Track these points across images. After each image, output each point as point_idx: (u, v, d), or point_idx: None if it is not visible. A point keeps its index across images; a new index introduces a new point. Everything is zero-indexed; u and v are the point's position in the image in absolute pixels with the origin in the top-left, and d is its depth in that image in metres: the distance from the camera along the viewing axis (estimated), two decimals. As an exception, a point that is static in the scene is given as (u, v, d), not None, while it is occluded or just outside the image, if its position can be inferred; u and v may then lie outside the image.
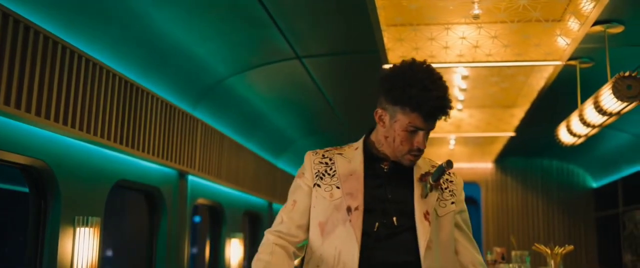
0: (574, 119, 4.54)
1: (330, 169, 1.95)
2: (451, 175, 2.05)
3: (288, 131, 6.68)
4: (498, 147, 8.37)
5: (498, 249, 6.13)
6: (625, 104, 3.67)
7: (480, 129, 7.23)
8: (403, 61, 1.89)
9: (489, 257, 6.15)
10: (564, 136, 4.98)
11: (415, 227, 1.84)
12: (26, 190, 3.25)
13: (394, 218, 1.85)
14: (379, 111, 1.91)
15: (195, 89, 4.70)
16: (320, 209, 1.91)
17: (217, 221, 5.96)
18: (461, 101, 5.93)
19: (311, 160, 2.00)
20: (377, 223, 1.84)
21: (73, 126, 3.20)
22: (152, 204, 4.57)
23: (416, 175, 1.93)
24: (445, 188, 1.97)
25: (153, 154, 4.12)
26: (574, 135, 4.76)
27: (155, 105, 4.17)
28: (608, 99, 3.74)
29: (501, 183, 9.38)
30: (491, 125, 7.05)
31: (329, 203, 1.89)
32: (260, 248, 1.93)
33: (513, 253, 5.19)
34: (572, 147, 5.24)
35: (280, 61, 4.48)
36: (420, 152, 1.88)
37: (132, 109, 3.84)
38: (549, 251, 3.94)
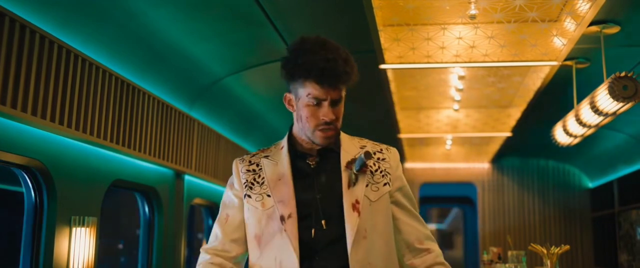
0: (570, 119, 4.56)
1: (259, 176, 1.88)
2: (383, 152, 1.94)
3: (285, 131, 6.66)
4: (494, 147, 8.38)
5: (494, 249, 6.13)
6: (621, 104, 3.68)
7: (477, 129, 7.24)
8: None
9: (485, 256, 6.16)
10: (560, 136, 4.99)
11: None
12: (22, 190, 3.24)
13: (323, 222, 1.77)
14: (287, 96, 1.87)
15: (192, 88, 4.70)
16: (254, 221, 1.84)
17: (213, 221, 5.96)
18: (458, 101, 5.94)
19: (238, 169, 1.94)
20: (313, 230, 1.77)
21: (69, 126, 3.19)
22: (149, 204, 4.57)
23: (343, 162, 1.85)
24: (376, 170, 1.87)
25: (149, 154, 4.12)
26: (570, 135, 4.77)
27: (152, 104, 4.16)
28: (604, 99, 3.75)
29: (497, 183, 9.39)
30: (488, 126, 7.06)
31: (262, 213, 1.82)
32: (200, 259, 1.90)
33: (509, 253, 5.20)
34: (569, 147, 5.26)
35: (277, 61, 4.45)
36: (329, 125, 1.79)
37: (128, 109, 3.83)
38: (545, 251, 3.95)
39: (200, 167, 5.09)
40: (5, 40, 2.71)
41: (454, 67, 4.75)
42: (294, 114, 1.87)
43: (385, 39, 4.11)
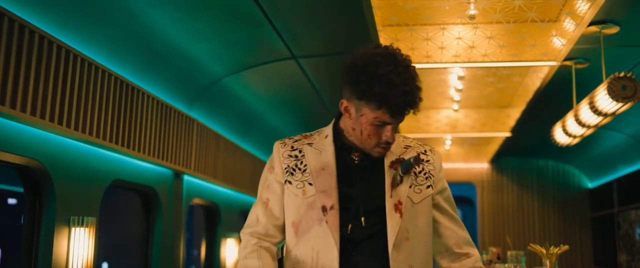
0: (570, 119, 4.55)
1: (301, 163, 1.83)
2: (427, 154, 1.91)
3: (284, 131, 6.67)
4: (494, 148, 8.38)
5: (494, 249, 6.13)
6: (620, 104, 3.68)
7: (476, 129, 7.24)
8: (365, 49, 1.74)
9: (484, 257, 6.15)
10: (560, 136, 4.99)
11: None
12: (21, 190, 3.24)
13: (363, 219, 1.75)
14: (345, 103, 1.77)
15: (191, 88, 4.70)
16: (292, 208, 1.80)
17: (213, 221, 5.96)
18: (457, 101, 5.94)
19: (280, 153, 1.88)
20: (350, 226, 1.74)
21: (68, 126, 3.19)
22: (148, 204, 4.56)
23: (387, 162, 1.81)
24: (420, 172, 1.84)
25: (148, 154, 4.11)
26: (570, 135, 4.77)
27: (151, 105, 4.16)
28: (603, 99, 3.75)
29: (497, 183, 9.39)
30: (487, 126, 7.06)
31: (302, 201, 1.78)
32: (244, 252, 1.83)
33: (509, 253, 5.20)
34: (568, 148, 5.25)
35: (276, 61, 4.48)
36: (388, 144, 1.77)
37: (127, 109, 3.83)
38: (544, 251, 3.94)
39: (199, 167, 5.08)
40: (4, 40, 2.71)
41: (453, 67, 4.75)
42: (348, 120, 1.79)
43: (384, 39, 4.11)
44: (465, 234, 1.91)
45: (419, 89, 1.71)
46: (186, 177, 4.98)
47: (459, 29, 3.98)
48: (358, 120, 1.75)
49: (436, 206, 1.88)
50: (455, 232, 1.89)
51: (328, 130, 1.88)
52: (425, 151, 1.91)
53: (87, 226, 3.38)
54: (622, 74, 3.63)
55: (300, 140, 1.90)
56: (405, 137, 1.93)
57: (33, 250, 3.16)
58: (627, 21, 3.68)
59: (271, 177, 1.88)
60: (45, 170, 3.15)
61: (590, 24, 3.67)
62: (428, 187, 1.83)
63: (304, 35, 4.07)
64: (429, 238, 1.83)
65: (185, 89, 4.65)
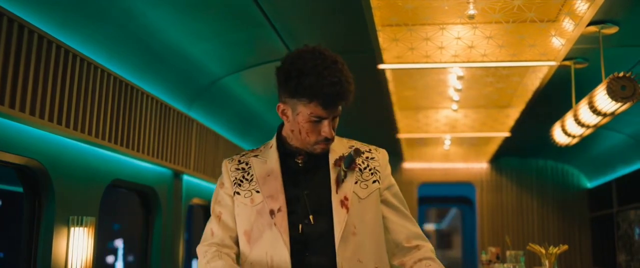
0: (569, 119, 4.56)
1: (247, 174, 1.90)
2: (371, 151, 1.96)
3: (283, 131, 6.67)
4: (493, 147, 8.39)
5: (493, 249, 6.13)
6: (620, 104, 3.68)
7: (475, 129, 7.25)
8: (297, 49, 1.81)
9: (483, 256, 6.16)
10: (559, 136, 4.99)
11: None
12: (20, 190, 3.24)
13: (311, 217, 1.78)
14: (281, 106, 1.83)
15: (191, 88, 4.70)
16: (243, 217, 1.85)
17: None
18: (456, 101, 5.94)
19: (227, 168, 1.94)
20: (300, 225, 1.78)
21: (67, 126, 3.19)
22: (147, 204, 4.56)
23: (331, 160, 1.86)
24: (365, 168, 1.88)
25: (148, 154, 4.11)
26: (569, 135, 4.77)
27: (150, 104, 4.16)
28: (602, 99, 3.75)
29: (496, 183, 9.39)
30: (486, 126, 7.07)
31: (251, 209, 1.83)
32: (205, 259, 1.84)
33: (508, 253, 5.20)
34: (567, 148, 5.26)
35: (275, 61, 4.46)
36: (328, 141, 1.81)
37: (126, 109, 3.83)
38: (543, 251, 3.95)
39: (198, 167, 5.08)
40: (3, 40, 2.71)
41: (452, 67, 4.75)
42: (288, 123, 1.85)
43: (383, 39, 4.11)
44: (416, 228, 1.93)
45: (348, 82, 1.74)
46: (185, 177, 4.98)
47: (458, 28, 3.98)
48: (295, 119, 1.80)
49: (384, 202, 1.91)
50: (404, 226, 1.91)
51: (272, 141, 1.96)
52: (370, 149, 1.96)
53: (86, 226, 3.38)
54: (621, 74, 3.63)
55: (246, 154, 1.98)
56: (349, 140, 1.98)
57: (32, 250, 3.16)
58: (626, 21, 3.68)
59: (222, 192, 1.93)
60: (45, 170, 3.15)
61: (590, 24, 3.67)
62: (374, 182, 1.87)
63: (304, 35, 4.07)
64: (379, 234, 1.85)
65: (185, 89, 4.65)
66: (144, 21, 3.48)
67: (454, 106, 6.14)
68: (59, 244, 3.25)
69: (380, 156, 1.96)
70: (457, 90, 5.51)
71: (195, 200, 5.38)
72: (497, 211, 9.30)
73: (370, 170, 1.89)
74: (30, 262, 3.15)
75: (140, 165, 4.26)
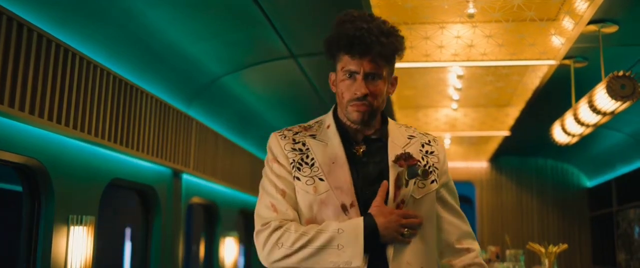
0: (569, 118, 4.56)
1: (306, 157, 1.71)
2: (430, 143, 1.82)
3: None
4: (493, 146, 8.39)
5: (492, 248, 6.14)
6: (619, 103, 3.68)
7: (475, 128, 7.25)
8: None
9: (483, 255, 6.17)
10: (559, 135, 4.99)
11: None
12: (20, 189, 3.24)
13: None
14: (331, 76, 1.76)
15: (190, 87, 4.70)
16: (304, 206, 1.68)
17: (211, 220, 5.96)
18: (456, 100, 5.94)
19: (281, 145, 1.74)
20: None
21: (67, 125, 3.19)
22: (147, 203, 4.56)
23: (391, 154, 1.71)
24: (425, 166, 1.74)
25: (147, 153, 4.11)
26: (569, 134, 4.77)
27: (150, 104, 4.16)
28: (602, 98, 3.75)
29: (496, 182, 9.39)
30: (486, 125, 7.07)
31: (314, 198, 1.66)
32: (279, 234, 1.62)
33: (507, 252, 5.21)
34: (567, 147, 5.26)
35: (275, 60, 4.48)
36: (361, 100, 1.66)
37: (126, 108, 3.83)
38: (543, 250, 3.95)
39: (198, 166, 5.08)
40: (3, 39, 2.71)
41: (452, 66, 4.75)
42: (335, 91, 1.74)
43: (383, 37, 4.10)
44: (467, 227, 1.83)
45: (383, 33, 1.65)
46: (185, 176, 4.98)
47: (458, 27, 3.98)
48: (338, 86, 1.72)
49: (440, 199, 1.79)
50: (456, 226, 1.81)
51: (329, 119, 1.79)
52: (429, 141, 1.83)
53: (85, 225, 3.38)
54: (621, 73, 3.63)
55: (300, 132, 1.78)
56: (407, 127, 1.85)
57: (32, 249, 3.16)
58: (626, 20, 3.68)
59: (280, 169, 1.72)
60: (44, 169, 3.15)
61: (589, 23, 3.67)
62: (432, 181, 1.74)
63: (303, 34, 4.07)
64: (430, 234, 1.74)
65: (184, 88, 4.65)
66: (143, 20, 3.48)
67: (454, 105, 6.15)
68: (59, 243, 3.25)
69: (440, 148, 1.83)
70: (457, 89, 5.51)
71: (195, 199, 5.38)
72: (497, 210, 9.30)
73: (429, 168, 1.76)
74: (30, 261, 3.15)
75: (140, 164, 4.26)
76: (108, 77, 3.61)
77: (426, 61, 4.54)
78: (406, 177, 1.68)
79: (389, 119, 1.83)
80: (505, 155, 9.16)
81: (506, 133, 7.25)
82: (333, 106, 1.81)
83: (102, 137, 3.53)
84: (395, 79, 1.81)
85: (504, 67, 4.80)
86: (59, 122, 3.12)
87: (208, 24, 3.79)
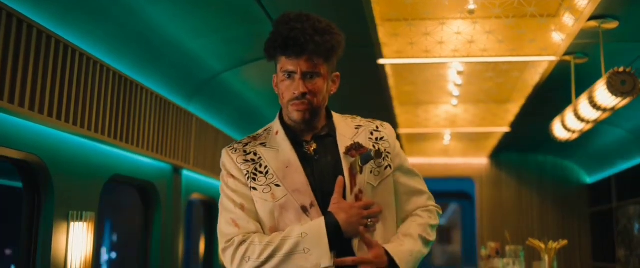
0: (569, 114, 4.56)
1: (260, 166, 1.72)
2: (379, 130, 1.84)
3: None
4: (493, 143, 8.39)
5: (492, 244, 6.14)
6: (619, 99, 3.68)
7: (475, 124, 7.25)
8: None
9: (483, 252, 6.17)
10: (559, 131, 4.99)
11: None
12: (20, 185, 3.24)
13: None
14: (274, 78, 1.77)
15: (190, 83, 4.69)
16: (265, 214, 1.69)
17: (211, 216, 5.96)
18: (456, 96, 5.94)
19: (233, 159, 1.75)
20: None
21: (67, 121, 3.19)
22: (147, 199, 4.57)
23: (341, 146, 1.74)
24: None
25: (147, 149, 4.11)
26: (569, 130, 4.77)
27: (150, 100, 4.16)
28: (602, 94, 3.75)
29: (496, 178, 9.40)
30: (486, 121, 7.07)
31: (273, 205, 1.68)
32: (248, 253, 1.63)
33: (507, 248, 5.21)
34: (567, 143, 5.26)
35: (275, 56, 4.47)
36: (300, 99, 1.68)
37: (126, 104, 3.83)
38: (543, 246, 3.96)
39: (198, 162, 5.09)
40: (2, 35, 2.71)
41: (452, 62, 4.75)
42: (277, 92, 1.77)
43: (383, 34, 4.11)
44: (423, 201, 1.88)
45: (318, 32, 1.68)
46: (185, 172, 4.98)
47: (458, 23, 3.98)
48: (279, 85, 1.74)
49: (397, 182, 1.82)
50: (414, 203, 1.86)
51: (276, 125, 1.80)
52: (377, 127, 1.86)
53: (86, 221, 3.38)
54: (621, 69, 3.63)
55: (250, 142, 1.80)
56: (353, 118, 1.89)
57: (32, 245, 3.16)
58: (626, 16, 3.68)
59: (235, 183, 1.73)
60: (44, 165, 3.15)
61: (590, 19, 3.66)
62: (386, 167, 1.78)
63: (303, 30, 4.07)
64: (391, 216, 1.78)
65: (184, 84, 4.65)
66: (143, 17, 3.47)
67: (454, 101, 6.14)
68: (59, 239, 3.25)
69: (388, 133, 1.85)
70: (457, 86, 5.50)
71: (195, 195, 5.38)
72: (497, 206, 9.31)
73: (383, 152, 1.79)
74: (30, 257, 3.15)
75: (140, 160, 4.26)
76: (108, 73, 3.61)
77: (426, 57, 4.54)
78: (360, 164, 1.71)
79: (333, 113, 1.87)
80: (505, 152, 9.16)
81: (506, 129, 7.25)
82: (279, 111, 1.84)
83: (102, 133, 3.53)
84: (337, 76, 1.85)
85: (504, 63, 4.80)
86: (58, 118, 3.12)
87: (208, 20, 3.79)
